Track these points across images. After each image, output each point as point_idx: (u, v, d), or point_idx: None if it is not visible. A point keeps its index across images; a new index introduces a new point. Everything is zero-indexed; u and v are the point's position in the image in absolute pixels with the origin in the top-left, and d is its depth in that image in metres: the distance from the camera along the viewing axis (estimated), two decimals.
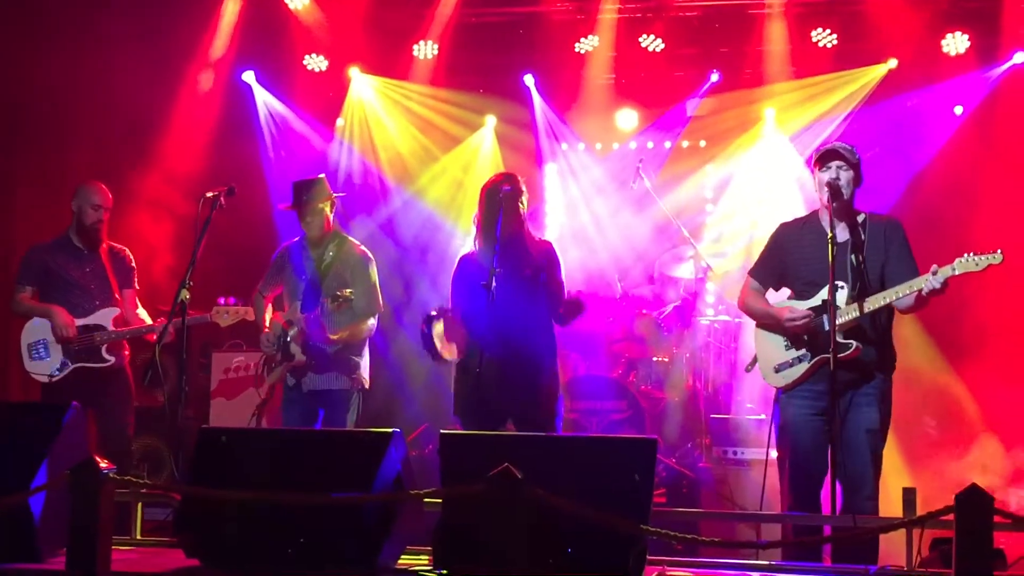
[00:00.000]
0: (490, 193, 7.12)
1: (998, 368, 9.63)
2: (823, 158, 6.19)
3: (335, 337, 7.42)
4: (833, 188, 6.11)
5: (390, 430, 5.17)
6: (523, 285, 6.97)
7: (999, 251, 5.89)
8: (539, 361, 7.08)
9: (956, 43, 10.65)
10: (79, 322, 7.74)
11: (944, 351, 9.92)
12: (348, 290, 7.32)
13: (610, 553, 4.75)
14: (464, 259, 7.28)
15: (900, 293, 5.99)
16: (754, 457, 9.09)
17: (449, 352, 7.09)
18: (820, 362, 6.10)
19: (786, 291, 6.47)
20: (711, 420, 9.60)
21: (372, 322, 7.64)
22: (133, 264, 8.14)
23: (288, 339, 7.45)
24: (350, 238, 7.84)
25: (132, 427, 8.08)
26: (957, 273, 5.89)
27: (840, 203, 6.14)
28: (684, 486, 9.02)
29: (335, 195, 7.83)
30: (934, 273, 5.89)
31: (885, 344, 6.24)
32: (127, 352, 8.01)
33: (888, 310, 6.18)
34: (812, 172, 6.34)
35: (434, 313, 7.06)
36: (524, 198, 7.18)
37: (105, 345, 7.79)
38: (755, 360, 6.52)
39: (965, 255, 5.90)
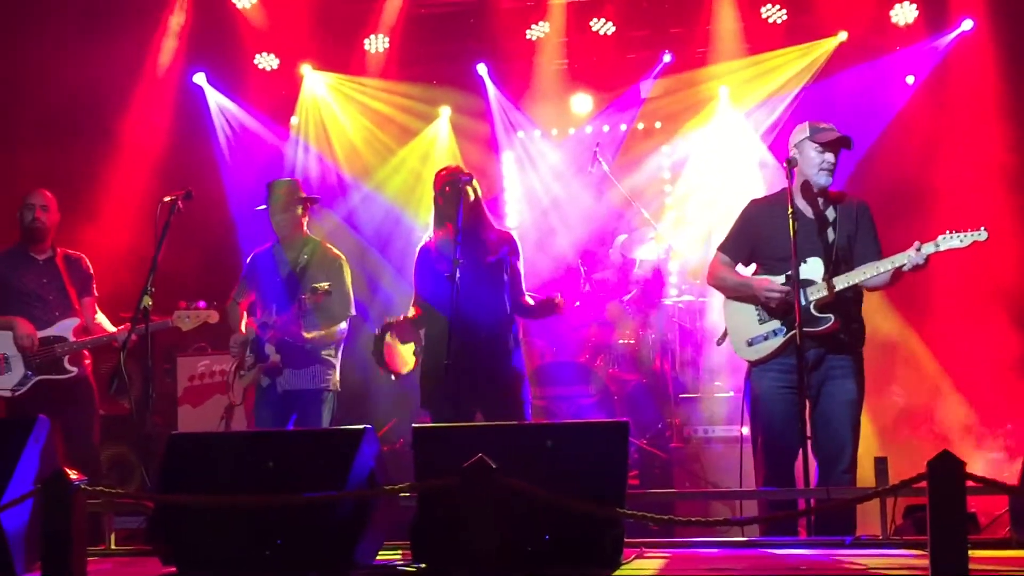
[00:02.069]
0: (447, 183, 7.11)
1: (962, 333, 9.71)
2: (834, 143, 6.20)
3: (309, 336, 7.42)
4: (830, 171, 6.17)
5: (362, 427, 5.15)
6: (485, 274, 6.97)
7: (983, 228, 5.92)
8: (504, 349, 7.08)
9: (904, 13, 10.73)
10: (40, 334, 7.66)
11: (908, 318, 9.98)
12: (327, 283, 7.34)
13: (588, 538, 4.75)
14: (424, 249, 7.27)
15: (880, 269, 6.02)
16: (724, 435, 9.13)
17: (405, 365, 7.11)
18: (796, 336, 6.12)
19: (754, 267, 6.49)
20: (680, 400, 9.63)
21: (344, 326, 7.67)
22: (91, 271, 8.05)
23: (265, 341, 7.47)
24: (324, 242, 7.88)
25: (98, 436, 8.01)
26: (941, 249, 5.93)
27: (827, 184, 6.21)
28: (656, 467, 9.05)
29: (307, 197, 7.87)
30: (917, 249, 5.92)
31: (856, 317, 6.28)
32: (89, 361, 7.92)
33: (858, 289, 6.22)
34: (798, 145, 6.32)
35: (378, 331, 7.07)
36: (478, 187, 7.19)
37: (67, 356, 7.71)
38: (725, 333, 6.52)
39: (948, 232, 5.94)
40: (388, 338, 7.06)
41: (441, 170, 7.40)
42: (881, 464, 5.58)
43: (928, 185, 9.99)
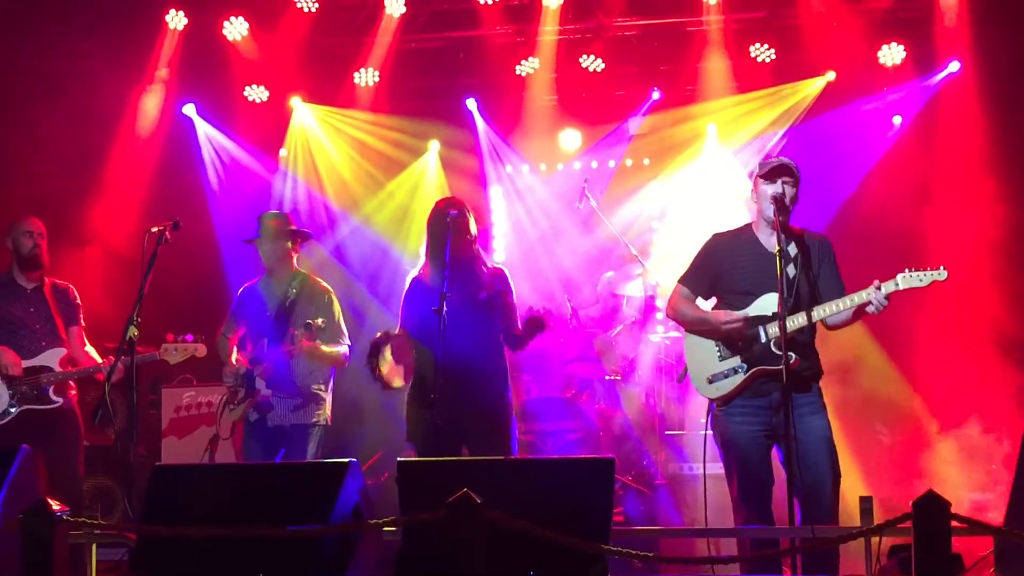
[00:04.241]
0: (437, 218, 7.11)
1: (948, 372, 9.73)
2: (771, 173, 6.21)
3: (327, 351, 7.44)
4: (779, 202, 6.14)
5: (347, 460, 5.14)
6: (474, 309, 6.95)
7: (942, 268, 5.92)
8: (492, 385, 7.06)
9: (892, 54, 10.79)
10: (25, 363, 7.63)
11: (893, 357, 9.99)
12: (320, 319, 7.38)
13: (572, 574, 4.73)
14: (414, 282, 7.25)
15: (842, 306, 6.01)
16: (710, 472, 9.10)
17: (398, 379, 7.06)
18: (756, 374, 6.10)
19: (714, 301, 6.48)
20: (666, 437, 9.62)
21: (344, 349, 7.67)
22: (78, 301, 8.03)
23: (255, 375, 7.47)
24: (312, 275, 7.91)
25: (82, 467, 7.96)
26: (901, 288, 5.93)
27: (784, 217, 6.18)
28: (641, 504, 9.03)
29: (298, 231, 7.90)
30: (878, 288, 5.92)
31: (813, 354, 6.27)
32: (74, 392, 7.89)
33: (813, 325, 6.20)
34: (754, 183, 6.36)
35: (379, 336, 7.03)
36: (472, 221, 7.18)
37: (52, 386, 7.68)
38: (686, 370, 6.48)
39: (907, 270, 5.93)
40: (386, 352, 7.01)
41: (439, 201, 7.42)
42: (866, 503, 5.57)
43: (914, 225, 10.03)
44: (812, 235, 6.39)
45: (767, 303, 6.09)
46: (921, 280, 5.92)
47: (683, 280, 6.52)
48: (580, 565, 4.73)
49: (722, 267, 6.37)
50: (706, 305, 6.51)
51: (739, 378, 6.16)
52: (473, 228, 7.15)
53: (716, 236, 6.55)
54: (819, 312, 6.07)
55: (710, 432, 6.36)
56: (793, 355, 5.99)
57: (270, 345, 7.56)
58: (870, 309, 5.95)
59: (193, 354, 7.54)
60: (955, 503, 4.38)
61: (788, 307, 6.04)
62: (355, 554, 5.00)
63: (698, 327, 6.35)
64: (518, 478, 5.08)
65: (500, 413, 7.06)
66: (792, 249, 6.25)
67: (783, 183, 6.17)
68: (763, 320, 6.10)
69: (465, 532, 4.43)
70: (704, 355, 6.32)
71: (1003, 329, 9.76)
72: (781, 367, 5.92)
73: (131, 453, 6.82)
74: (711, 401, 6.33)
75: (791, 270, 6.18)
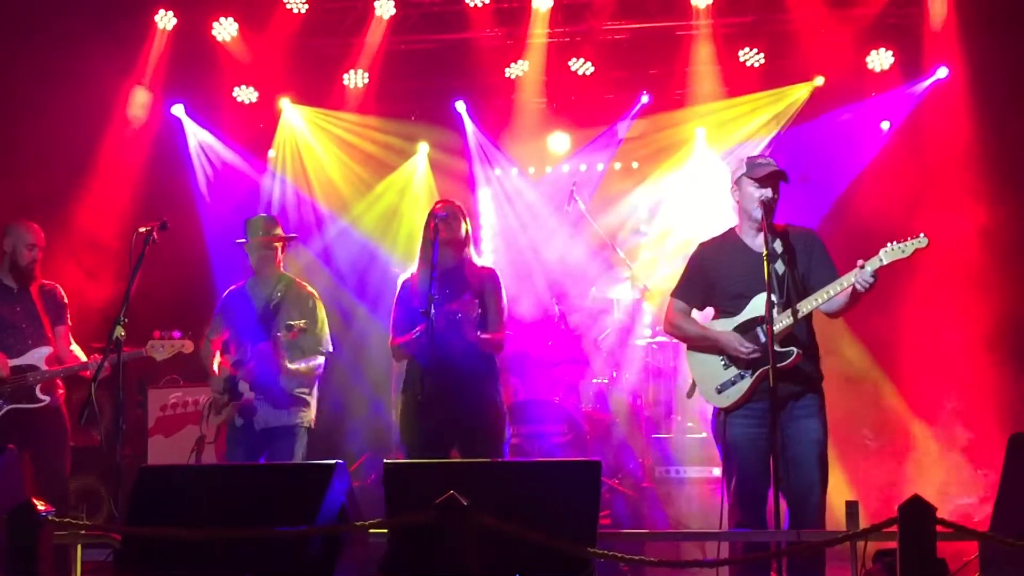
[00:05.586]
0: (427, 220, 7.12)
1: (934, 377, 9.75)
2: (767, 179, 6.21)
3: (292, 367, 7.41)
4: (767, 206, 6.14)
5: (333, 462, 5.13)
6: (465, 311, 6.94)
7: (922, 235, 5.92)
8: (482, 386, 7.06)
9: (880, 59, 10.82)
10: (12, 363, 7.62)
11: (881, 361, 10.01)
12: (302, 320, 7.37)
13: None
14: (404, 284, 7.26)
15: (831, 292, 6.00)
16: (696, 476, 9.12)
17: None
18: (763, 374, 6.05)
19: (710, 311, 6.47)
20: (652, 440, 9.62)
21: (321, 360, 7.67)
22: (65, 301, 8.02)
23: (238, 379, 7.45)
24: (297, 279, 7.90)
25: (68, 467, 7.95)
26: (885, 263, 5.90)
27: (769, 219, 6.18)
28: (628, 507, 9.03)
29: (286, 236, 7.89)
30: (861, 267, 5.92)
31: (814, 354, 6.28)
32: (62, 391, 7.88)
33: (810, 321, 6.21)
34: (737, 183, 6.34)
35: None
36: (464, 222, 7.18)
37: (39, 385, 7.66)
38: (694, 385, 6.43)
39: (889, 244, 5.92)
40: None
41: (436, 201, 7.43)
42: (852, 508, 5.58)
43: (902, 229, 9.98)
44: (796, 229, 6.38)
45: (761, 304, 6.08)
46: (904, 251, 5.91)
47: (676, 294, 6.50)
48: (567, 568, 4.73)
49: (712, 275, 6.36)
50: (701, 316, 6.50)
51: (747, 382, 6.15)
52: (463, 230, 7.16)
53: (702, 245, 6.54)
54: (807, 304, 6.07)
55: (706, 435, 6.36)
56: (795, 349, 6.03)
57: (253, 347, 7.54)
58: (858, 288, 5.95)
59: (180, 350, 7.54)
60: (940, 508, 4.39)
61: (781, 304, 6.06)
62: (341, 556, 5.00)
63: (702, 344, 6.34)
64: (505, 481, 5.08)
65: (490, 416, 7.06)
66: (778, 246, 6.25)
67: (773, 188, 6.19)
68: (760, 321, 6.09)
69: (453, 535, 4.42)
70: (709, 366, 6.30)
71: (991, 334, 9.77)
72: (786, 364, 5.97)
73: (117, 453, 6.79)
74: (715, 409, 6.32)
75: (780, 267, 6.18)
